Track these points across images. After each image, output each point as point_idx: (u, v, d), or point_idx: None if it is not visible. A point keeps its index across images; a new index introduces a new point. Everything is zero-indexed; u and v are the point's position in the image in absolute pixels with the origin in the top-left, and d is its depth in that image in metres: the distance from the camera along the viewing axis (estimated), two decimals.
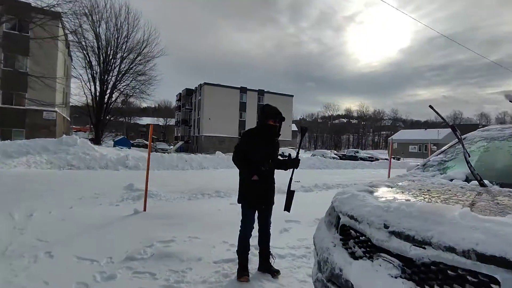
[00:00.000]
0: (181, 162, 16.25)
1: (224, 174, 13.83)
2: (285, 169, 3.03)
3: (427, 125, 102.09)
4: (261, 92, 44.09)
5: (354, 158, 30.73)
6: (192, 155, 17.38)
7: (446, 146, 3.00)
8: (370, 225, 1.60)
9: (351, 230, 1.77)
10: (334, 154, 31.85)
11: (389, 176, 7.93)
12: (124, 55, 30.11)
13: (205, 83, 40.65)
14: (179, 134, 50.63)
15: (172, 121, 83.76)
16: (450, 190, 1.88)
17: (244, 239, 2.90)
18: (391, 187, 2.16)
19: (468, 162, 1.98)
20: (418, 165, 2.99)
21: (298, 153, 3.02)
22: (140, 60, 30.54)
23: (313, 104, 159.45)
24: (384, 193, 2.00)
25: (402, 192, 1.96)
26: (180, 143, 46.50)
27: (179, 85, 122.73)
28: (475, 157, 2.51)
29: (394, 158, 35.66)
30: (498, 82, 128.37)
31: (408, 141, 58.44)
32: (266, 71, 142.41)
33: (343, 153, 36.05)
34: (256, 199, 2.83)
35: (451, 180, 2.24)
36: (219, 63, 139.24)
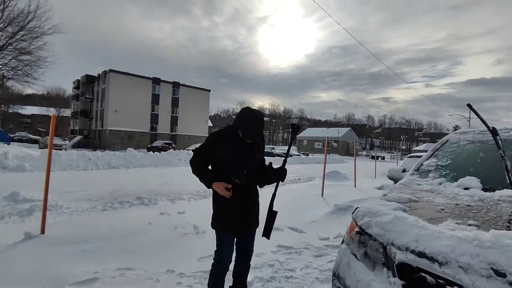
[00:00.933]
0: (84, 161, 13.66)
1: (140, 174, 12.14)
2: (267, 183, 2.21)
3: (327, 124, 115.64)
4: (176, 85, 41.47)
5: (270, 154, 31.88)
6: (98, 152, 14.83)
7: (432, 148, 2.84)
8: (466, 270, 1.10)
9: (423, 274, 1.25)
10: None
11: (324, 174, 8.08)
12: (0, 26, 23.74)
13: (111, 70, 35.81)
14: (77, 128, 43.59)
15: (66, 112, 71.77)
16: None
17: (219, 274, 2.12)
18: (427, 203, 1.75)
19: (508, 172, 1.72)
20: (405, 169, 2.76)
21: (285, 160, 2.18)
22: (23, 36, 24.57)
23: (227, 100, 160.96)
24: (430, 214, 1.56)
25: (452, 212, 1.56)
26: (78, 137, 40.03)
27: (75, 70, 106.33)
28: (480, 162, 2.35)
29: (303, 154, 38.57)
30: (379, 90, 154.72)
31: (314, 138, 64.50)
32: (179, 64, 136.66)
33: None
34: (233, 221, 2.07)
35: (466, 189, 1.99)
36: (124, 50, 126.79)
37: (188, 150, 24.99)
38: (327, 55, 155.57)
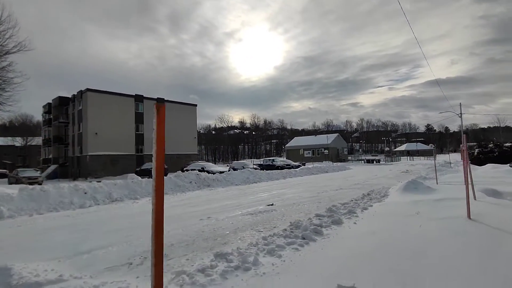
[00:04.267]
0: (78, 196, 10.77)
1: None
2: None
3: (304, 133, 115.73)
4: (160, 101, 38.56)
5: (272, 167, 29.69)
6: (96, 184, 11.92)
7: None
8: None
9: None
10: (254, 164, 30.08)
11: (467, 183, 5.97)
12: None
13: (88, 89, 32.31)
14: (50, 156, 39.09)
15: (35, 141, 65.77)
16: None
17: None
18: None
19: None
20: None
21: None
22: None
23: (201, 116, 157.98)
24: None
25: None
26: (53, 167, 35.79)
27: (39, 96, 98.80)
28: None
29: (301, 163, 36.72)
30: (348, 96, 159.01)
31: (302, 146, 63.11)
32: (148, 82, 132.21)
33: (259, 163, 34.77)
34: None
35: None
36: (89, 73, 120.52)
37: (188, 170, 22.24)
38: (295, 65, 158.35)
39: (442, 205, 6.14)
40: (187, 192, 13.35)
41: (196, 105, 43.76)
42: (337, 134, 67.23)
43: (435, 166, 14.91)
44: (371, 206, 7.00)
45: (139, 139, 36.15)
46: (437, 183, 10.47)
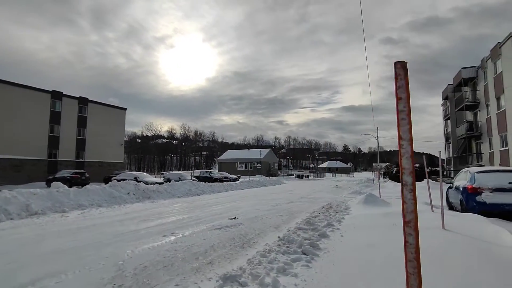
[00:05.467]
0: None
1: (97, 221, 7.91)
2: None
3: (234, 146, 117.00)
4: (83, 101, 33.82)
5: (209, 179, 28.65)
6: (5, 192, 9.47)
7: None
8: None
9: None
10: (192, 176, 28.50)
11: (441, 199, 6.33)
12: None
13: None
14: None
15: None
16: None
17: None
18: None
19: None
20: None
21: None
22: None
23: (126, 122, 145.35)
24: None
25: None
26: None
27: None
28: None
29: (238, 176, 36.56)
30: (276, 114, 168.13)
31: (235, 160, 63.25)
32: (62, 80, 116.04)
33: (197, 174, 33.15)
34: None
35: None
36: None
37: (117, 180, 19.77)
38: (227, 79, 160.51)
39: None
40: (126, 205, 11.69)
41: (125, 109, 40.02)
42: (270, 149, 69.62)
43: (365, 182, 16.31)
44: (343, 218, 7.08)
45: (53, 142, 30.97)
46: (380, 197, 11.39)
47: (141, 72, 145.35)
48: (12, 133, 27.33)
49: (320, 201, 13.72)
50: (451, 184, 9.33)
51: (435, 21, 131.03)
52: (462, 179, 8.09)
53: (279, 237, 5.46)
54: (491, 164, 21.64)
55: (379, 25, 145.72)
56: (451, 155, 30.75)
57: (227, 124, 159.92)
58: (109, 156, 36.73)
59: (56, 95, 31.53)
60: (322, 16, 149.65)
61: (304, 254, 4.35)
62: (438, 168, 32.09)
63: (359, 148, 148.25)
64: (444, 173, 31.74)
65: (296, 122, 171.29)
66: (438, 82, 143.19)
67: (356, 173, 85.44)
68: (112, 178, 22.30)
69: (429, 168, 30.62)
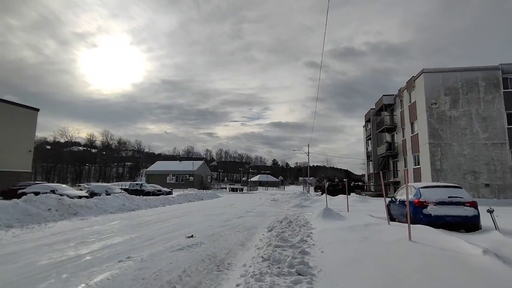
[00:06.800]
0: None
1: (22, 247, 6.22)
2: None
3: (161, 157, 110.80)
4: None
5: (141, 192, 26.13)
6: None
7: None
8: None
9: None
10: (121, 188, 25.42)
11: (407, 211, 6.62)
12: None
13: None
14: None
15: None
16: None
17: None
18: None
19: None
20: None
21: None
22: None
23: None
24: None
25: None
26: None
27: None
28: None
29: (170, 189, 34.43)
30: (206, 126, 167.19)
31: (166, 172, 59.67)
32: None
33: (125, 187, 29.80)
34: None
35: None
36: None
37: (25, 193, 16.47)
38: (156, 87, 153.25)
39: (373, 230, 6.84)
40: (48, 224, 9.65)
41: (38, 110, 34.21)
42: (203, 161, 67.94)
43: (300, 195, 16.96)
44: (312, 233, 7.02)
45: None
46: (348, 211, 11.90)
47: (53, 69, 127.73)
48: None
49: (269, 215, 13.65)
50: (392, 198, 10.22)
51: (351, 51, 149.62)
52: (405, 194, 8.91)
53: (262, 257, 5.04)
54: (406, 180, 24.97)
55: (305, 49, 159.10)
56: (371, 171, 34.61)
57: (153, 133, 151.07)
58: (12, 165, 30.66)
59: None
60: (255, 35, 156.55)
61: (300, 274, 4.05)
62: (359, 183, 35.53)
63: (287, 163, 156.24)
64: (365, 187, 35.46)
65: (226, 135, 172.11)
66: (353, 105, 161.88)
67: (288, 186, 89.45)
68: (19, 192, 18.47)
69: (352, 182, 33.86)
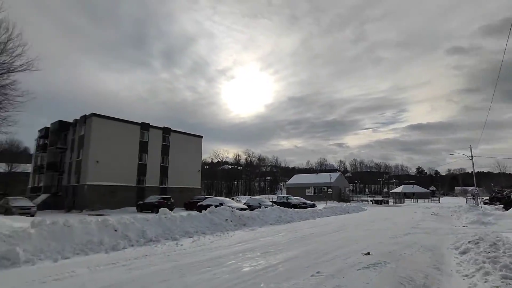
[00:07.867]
0: (109, 234, 8.66)
1: (213, 255, 7.38)
2: None
3: (295, 171, 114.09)
4: (166, 131, 36.73)
5: (287, 204, 27.54)
6: (125, 218, 9.76)
7: None
8: None
9: None
10: (270, 201, 27.89)
11: None
12: None
13: (94, 114, 30.48)
14: (41, 184, 35.86)
15: (20, 167, 61.54)
16: None
17: None
18: None
19: None
20: None
21: None
22: None
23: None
24: None
25: None
26: (44, 196, 32.53)
27: (22, 122, 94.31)
28: None
29: (313, 203, 34.66)
30: (335, 137, 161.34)
31: (303, 185, 61.22)
32: (139, 116, 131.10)
33: (274, 200, 32.59)
34: None
35: None
36: (79, 103, 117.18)
37: (202, 205, 19.99)
38: (284, 105, 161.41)
39: None
40: (228, 232, 11.22)
41: (202, 137, 42.15)
42: (340, 173, 66.08)
43: (469, 208, 13.36)
44: None
45: (142, 170, 33.67)
46: None
47: (204, 103, 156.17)
48: (110, 163, 30.47)
49: (443, 233, 11.55)
50: None
51: None
52: None
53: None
54: None
55: (444, 35, 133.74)
56: None
57: (285, 148, 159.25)
58: (188, 182, 38.46)
59: (145, 127, 34.70)
60: (380, 33, 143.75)
61: None
62: None
63: (436, 170, 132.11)
64: None
65: (357, 144, 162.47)
66: None
67: (442, 199, 75.26)
68: (198, 204, 22.76)
69: None
